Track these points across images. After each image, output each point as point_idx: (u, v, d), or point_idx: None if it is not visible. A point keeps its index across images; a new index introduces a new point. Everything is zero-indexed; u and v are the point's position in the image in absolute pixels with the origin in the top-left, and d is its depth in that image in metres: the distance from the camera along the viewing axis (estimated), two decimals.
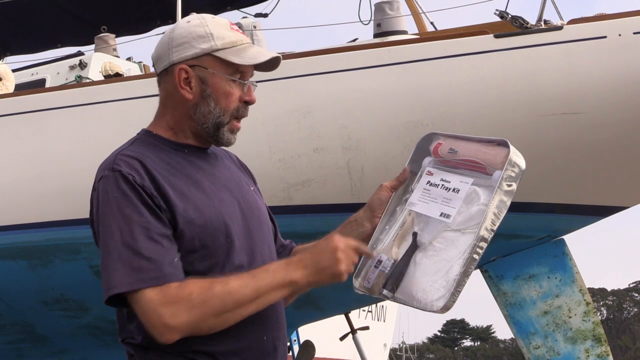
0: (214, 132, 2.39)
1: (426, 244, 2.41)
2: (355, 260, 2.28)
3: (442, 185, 2.45)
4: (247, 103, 2.41)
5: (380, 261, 2.44)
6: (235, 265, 2.31)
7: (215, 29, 2.38)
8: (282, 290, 2.22)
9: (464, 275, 2.29)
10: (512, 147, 2.36)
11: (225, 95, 2.37)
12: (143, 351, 2.28)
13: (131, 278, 2.18)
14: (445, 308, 2.30)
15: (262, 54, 2.41)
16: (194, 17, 2.44)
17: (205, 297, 2.17)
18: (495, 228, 2.32)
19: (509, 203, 2.33)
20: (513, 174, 2.34)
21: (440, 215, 2.40)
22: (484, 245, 2.31)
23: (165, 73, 2.42)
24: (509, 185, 2.33)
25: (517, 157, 2.36)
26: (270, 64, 2.43)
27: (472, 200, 2.37)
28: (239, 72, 2.39)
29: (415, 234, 2.44)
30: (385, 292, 2.40)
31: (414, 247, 2.42)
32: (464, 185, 2.40)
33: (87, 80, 7.63)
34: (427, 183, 2.49)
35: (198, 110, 2.38)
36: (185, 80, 2.37)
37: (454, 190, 2.42)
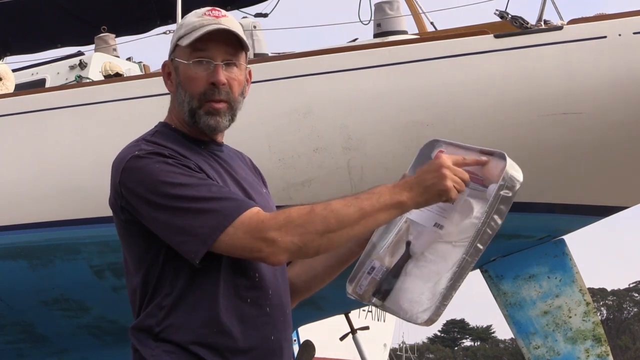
0: (191, 120, 2.37)
1: (418, 253, 2.39)
2: (465, 177, 2.25)
3: None
4: (214, 85, 2.35)
5: (373, 268, 2.43)
6: (251, 261, 2.30)
7: (188, 19, 2.40)
8: (389, 211, 2.21)
9: (451, 289, 2.27)
10: (509, 160, 2.30)
11: (189, 80, 2.37)
12: (151, 341, 2.27)
13: (220, 219, 2.17)
14: (430, 321, 2.28)
15: (207, 28, 2.34)
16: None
17: (307, 218, 2.16)
18: (487, 243, 2.29)
19: (503, 217, 2.29)
20: (509, 188, 2.28)
21: (434, 225, 2.38)
22: (474, 260, 2.28)
23: None
24: (504, 200, 2.28)
25: (513, 170, 2.30)
26: (227, 38, 2.35)
27: (466, 213, 2.34)
28: (200, 53, 2.34)
29: (408, 243, 2.42)
30: (374, 300, 2.39)
31: (407, 256, 2.40)
32: (460, 196, 2.35)
33: (87, 80, 7.63)
34: None
35: (177, 101, 2.41)
36: (168, 74, 2.43)
37: None
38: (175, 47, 2.40)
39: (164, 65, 2.43)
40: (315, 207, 2.18)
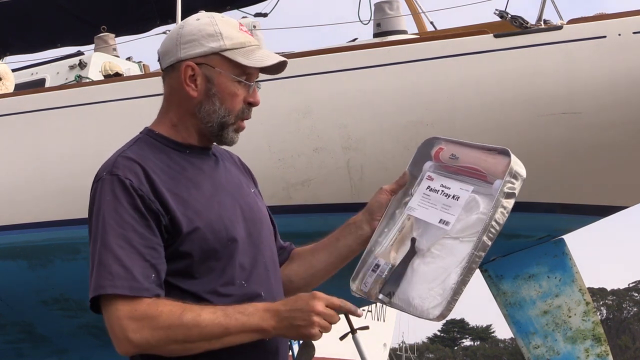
0: (218, 132, 2.39)
1: (424, 250, 2.40)
2: (335, 320, 2.23)
3: (442, 191, 2.45)
4: (251, 105, 2.41)
5: (377, 265, 2.44)
6: (237, 268, 2.31)
7: (225, 29, 2.38)
8: (251, 334, 2.21)
9: (462, 284, 2.29)
10: (513, 157, 2.34)
11: (230, 95, 2.37)
12: None
13: (105, 282, 2.19)
14: (442, 316, 2.29)
15: (270, 57, 2.41)
16: (203, 16, 2.43)
17: (172, 322, 2.17)
18: (494, 237, 2.31)
19: (508, 212, 2.32)
20: (514, 184, 2.33)
21: (439, 221, 2.39)
22: (483, 254, 2.30)
23: (171, 69, 2.41)
24: (510, 195, 2.32)
25: (518, 166, 2.34)
26: (276, 68, 2.43)
27: (472, 209, 2.36)
28: (245, 73, 2.38)
29: (413, 240, 2.43)
30: (381, 297, 2.40)
31: (412, 252, 2.41)
32: (464, 193, 2.39)
33: (87, 80, 7.63)
34: (427, 188, 2.48)
35: (202, 109, 2.37)
36: (191, 77, 2.37)
37: (453, 197, 2.41)
38: (210, 54, 2.35)
39: (187, 66, 2.35)
40: (185, 314, 2.18)
